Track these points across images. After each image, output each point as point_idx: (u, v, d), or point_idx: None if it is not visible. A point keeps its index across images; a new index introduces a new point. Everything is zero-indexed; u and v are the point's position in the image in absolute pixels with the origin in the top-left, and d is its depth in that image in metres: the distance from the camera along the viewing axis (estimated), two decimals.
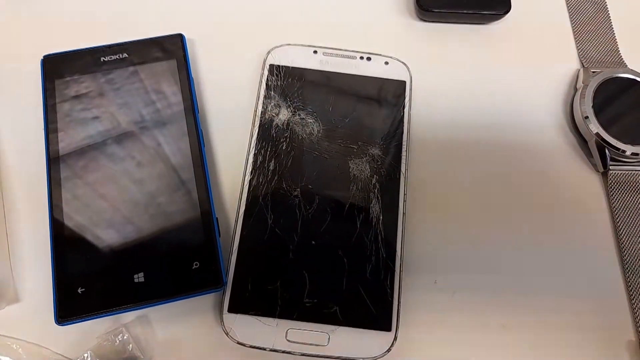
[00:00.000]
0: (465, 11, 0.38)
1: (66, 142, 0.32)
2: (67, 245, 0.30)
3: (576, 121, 0.36)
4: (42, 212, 0.32)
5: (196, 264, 0.30)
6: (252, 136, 0.33)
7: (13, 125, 0.34)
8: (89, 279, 0.30)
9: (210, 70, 0.36)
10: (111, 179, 0.32)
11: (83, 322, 0.30)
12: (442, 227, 0.33)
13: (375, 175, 0.33)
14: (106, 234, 0.30)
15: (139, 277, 0.30)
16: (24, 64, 0.36)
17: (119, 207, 0.31)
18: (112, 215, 0.31)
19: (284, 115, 0.34)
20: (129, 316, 0.31)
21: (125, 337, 0.29)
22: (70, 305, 0.29)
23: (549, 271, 0.32)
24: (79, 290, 0.29)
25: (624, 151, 0.34)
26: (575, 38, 0.39)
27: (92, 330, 0.31)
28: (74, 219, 0.31)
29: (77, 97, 0.33)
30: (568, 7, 0.40)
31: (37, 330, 0.31)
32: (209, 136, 0.34)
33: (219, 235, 0.31)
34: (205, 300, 0.32)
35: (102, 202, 0.31)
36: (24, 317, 0.31)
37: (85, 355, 0.29)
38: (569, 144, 0.36)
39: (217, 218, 0.31)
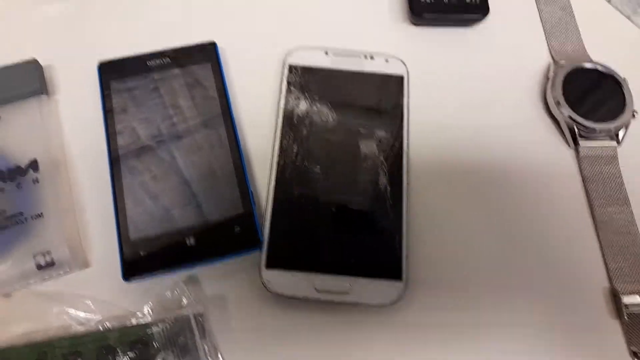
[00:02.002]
0: (450, 16, 0.45)
1: (124, 129, 0.39)
2: (129, 216, 0.36)
3: (549, 106, 0.43)
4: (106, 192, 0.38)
5: (237, 229, 0.36)
6: (277, 124, 0.40)
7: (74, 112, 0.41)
8: (148, 243, 0.36)
9: (237, 71, 0.43)
10: (165, 164, 0.38)
11: (144, 281, 0.36)
12: (438, 193, 0.40)
13: (382, 153, 0.40)
14: (161, 205, 0.37)
15: (190, 241, 0.36)
16: (81, 67, 0.42)
17: (171, 185, 0.38)
18: (165, 191, 0.37)
19: (303, 106, 0.41)
20: (181, 277, 0.37)
21: (180, 291, 0.35)
22: (134, 265, 0.35)
23: (533, 232, 0.40)
24: (141, 253, 0.35)
25: (593, 129, 0.41)
26: (546, 36, 0.46)
27: (151, 289, 0.36)
28: (134, 195, 0.37)
29: (130, 97, 0.40)
30: (539, 10, 0.47)
31: (103, 290, 0.36)
32: (241, 126, 0.41)
33: (255, 205, 0.37)
34: (245, 261, 0.37)
35: (157, 182, 0.37)
36: (92, 279, 0.37)
37: (147, 307, 0.35)
38: (545, 126, 0.44)
39: (252, 192, 0.37)
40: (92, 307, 0.35)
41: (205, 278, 0.37)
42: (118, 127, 0.39)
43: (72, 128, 0.41)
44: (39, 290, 0.36)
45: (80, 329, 0.34)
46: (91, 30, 0.44)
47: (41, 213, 0.36)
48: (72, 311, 0.35)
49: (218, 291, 0.37)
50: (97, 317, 0.35)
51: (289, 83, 0.41)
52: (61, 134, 0.40)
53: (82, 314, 0.35)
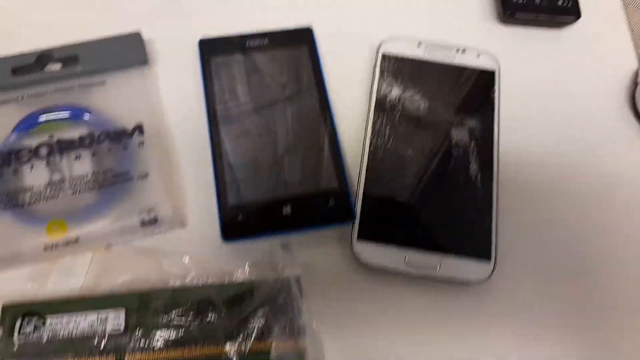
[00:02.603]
0: (542, 17, 0.46)
1: (223, 101, 0.41)
2: (228, 182, 0.38)
3: (638, 110, 0.44)
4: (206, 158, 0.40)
5: (332, 202, 0.37)
6: (369, 108, 0.41)
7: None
8: (247, 209, 0.37)
9: (331, 55, 0.45)
10: (262, 137, 0.40)
11: (240, 243, 0.37)
12: (527, 181, 0.41)
13: (473, 141, 0.41)
14: (259, 174, 0.39)
15: (287, 210, 0.37)
16: (180, 43, 0.44)
17: (268, 156, 0.39)
18: (262, 161, 0.39)
19: (395, 93, 0.42)
20: (275, 242, 0.38)
21: (276, 255, 0.36)
22: (233, 227, 0.37)
23: (621, 223, 0.41)
24: (239, 217, 0.37)
25: None
26: (634, 42, 0.47)
27: (246, 252, 0.37)
28: (233, 162, 0.39)
29: (228, 73, 0.42)
30: (628, 17, 0.48)
31: (200, 250, 0.38)
32: (336, 108, 0.42)
33: (348, 181, 0.38)
34: (337, 232, 0.38)
35: (255, 153, 0.39)
36: (190, 239, 0.38)
37: (244, 268, 0.36)
38: (632, 129, 0.44)
39: (345, 168, 0.38)
40: (190, 264, 0.36)
41: (298, 246, 0.38)
42: (217, 98, 0.41)
43: (172, 98, 0.43)
44: (139, 246, 0.37)
45: (177, 283, 0.35)
46: (190, 7, 0.46)
47: (147, 173, 0.37)
48: (170, 266, 0.36)
49: (310, 259, 0.38)
50: (195, 273, 0.35)
51: (382, 70, 0.42)
52: (162, 102, 0.42)
53: (180, 270, 0.36)
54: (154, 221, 0.36)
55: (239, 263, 0.36)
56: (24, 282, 0.36)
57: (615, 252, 0.39)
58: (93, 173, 0.37)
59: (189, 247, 0.38)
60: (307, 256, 0.38)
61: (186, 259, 0.36)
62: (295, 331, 0.33)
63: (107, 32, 0.43)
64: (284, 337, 0.33)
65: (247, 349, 0.33)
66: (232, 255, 0.37)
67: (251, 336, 0.33)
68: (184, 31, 0.44)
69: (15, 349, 0.33)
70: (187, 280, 0.36)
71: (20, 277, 0.36)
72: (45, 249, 0.35)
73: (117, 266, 0.36)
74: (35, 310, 0.34)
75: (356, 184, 0.39)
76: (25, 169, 0.37)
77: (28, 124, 0.39)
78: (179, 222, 0.37)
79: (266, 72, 0.42)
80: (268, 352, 0.33)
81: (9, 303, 0.35)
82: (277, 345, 0.33)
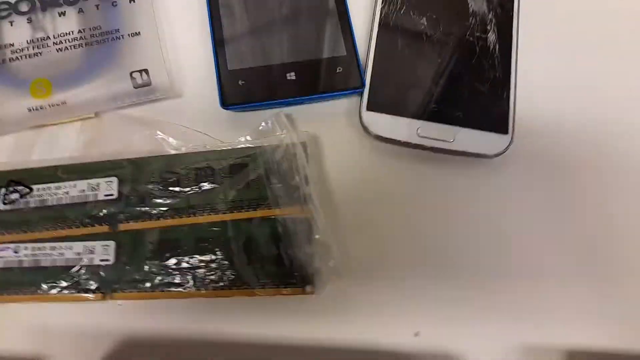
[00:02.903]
0: None
1: None
2: (226, 44, 0.34)
3: None
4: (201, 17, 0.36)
5: (339, 69, 0.34)
6: None
7: None
8: (248, 74, 0.34)
9: None
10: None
11: (241, 110, 0.35)
12: (550, 53, 0.38)
13: (491, 11, 0.37)
14: (261, 38, 0.35)
15: (291, 76, 0.34)
16: None
17: (271, 18, 0.36)
18: (265, 24, 0.36)
19: None
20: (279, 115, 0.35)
21: (280, 123, 0.33)
22: (233, 93, 0.34)
23: None
24: (240, 82, 0.34)
25: None
26: None
27: (248, 122, 0.35)
28: (232, 24, 0.35)
29: None
30: None
31: (197, 120, 0.35)
32: None
33: (357, 48, 0.35)
34: (343, 104, 0.36)
35: (257, 14, 0.36)
36: (185, 109, 0.35)
37: (246, 135, 0.33)
38: None
39: (354, 34, 0.35)
40: (187, 133, 0.33)
41: (302, 120, 0.35)
42: None
43: None
44: (131, 115, 0.34)
45: (173, 152, 0.32)
46: None
47: (138, 32, 0.34)
48: (165, 136, 0.33)
49: (315, 131, 0.35)
50: (192, 144, 0.32)
51: None
52: None
53: (175, 140, 0.33)
54: (147, 83, 0.33)
55: (240, 132, 0.33)
56: (6, 151, 0.33)
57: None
58: (79, 31, 0.34)
59: (185, 117, 0.35)
60: (312, 129, 0.35)
61: (183, 128, 0.33)
62: (301, 198, 0.30)
63: None
64: (289, 204, 0.30)
65: (251, 216, 0.30)
66: (232, 126, 0.34)
67: (255, 203, 0.30)
68: None
69: (1, 216, 0.30)
70: (184, 150, 0.32)
71: (3, 146, 0.33)
72: (30, 110, 0.32)
73: (107, 135, 0.34)
74: (20, 179, 0.31)
75: (365, 51, 0.35)
76: (4, 24, 0.33)
77: None
78: (175, 89, 0.34)
79: None
80: (273, 220, 0.30)
81: None
82: (282, 211, 0.30)
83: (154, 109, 0.35)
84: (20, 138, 0.34)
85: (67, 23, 0.34)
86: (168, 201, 0.31)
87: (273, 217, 0.31)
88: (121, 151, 0.33)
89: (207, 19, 0.35)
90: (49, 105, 0.32)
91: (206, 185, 0.31)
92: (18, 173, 0.32)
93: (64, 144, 0.34)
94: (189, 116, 0.35)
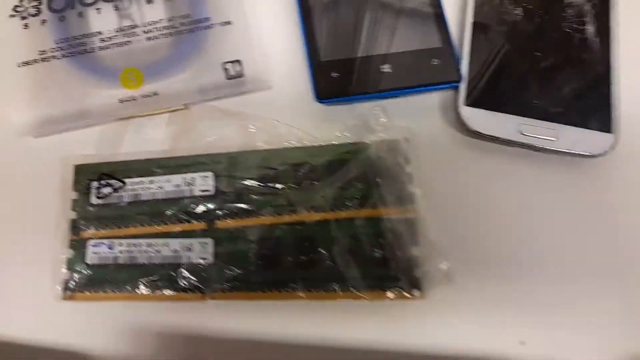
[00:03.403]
0: None
1: None
2: (318, 34, 0.33)
3: None
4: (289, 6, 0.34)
5: (435, 61, 0.33)
6: None
7: None
8: (341, 66, 0.32)
9: None
10: None
11: (336, 104, 0.34)
12: None
13: (589, 1, 0.35)
14: (354, 29, 0.34)
15: (386, 68, 0.32)
16: None
17: (364, 8, 0.35)
18: (359, 14, 0.34)
19: None
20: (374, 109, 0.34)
21: (376, 117, 0.32)
22: (327, 86, 0.32)
23: None
24: (333, 75, 0.32)
25: None
26: None
27: (342, 117, 0.34)
28: (325, 14, 0.34)
29: None
30: None
31: (290, 114, 0.34)
32: None
33: (453, 40, 0.34)
34: (438, 101, 0.35)
35: (350, 4, 0.34)
36: (276, 102, 0.34)
37: (342, 130, 0.32)
38: None
39: (449, 25, 0.33)
40: (280, 127, 0.32)
41: (395, 115, 0.34)
42: None
43: None
44: (220, 106, 0.32)
45: (267, 147, 0.31)
46: None
47: (229, 21, 0.32)
48: (258, 130, 0.31)
49: (410, 124, 0.33)
50: (286, 138, 0.31)
51: None
52: None
53: (268, 134, 0.31)
54: (239, 75, 0.31)
55: (334, 127, 0.31)
56: (95, 143, 0.32)
57: None
58: (168, 19, 0.32)
59: (275, 110, 0.34)
60: (407, 124, 0.34)
61: (275, 122, 0.31)
62: (404, 198, 0.29)
63: None
64: (392, 204, 0.29)
65: (354, 216, 0.29)
66: (323, 119, 0.33)
67: (357, 202, 0.29)
68: None
69: (94, 211, 0.29)
70: (277, 144, 0.31)
71: (92, 137, 0.32)
72: (122, 101, 0.30)
73: (198, 128, 0.32)
74: (112, 172, 0.30)
75: (459, 44, 0.33)
76: (91, 12, 0.32)
77: None
78: (266, 81, 0.33)
79: None
80: (377, 220, 0.29)
81: (82, 163, 0.30)
82: (387, 211, 0.29)
83: (243, 102, 0.34)
84: (109, 129, 0.32)
85: (155, 11, 0.33)
86: (267, 198, 0.30)
87: (377, 216, 0.29)
88: (212, 145, 0.32)
89: (297, 8, 0.34)
90: (140, 96, 0.31)
91: (306, 182, 0.30)
92: (109, 166, 0.31)
93: (153, 136, 0.33)
94: (279, 109, 0.34)
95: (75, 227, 0.30)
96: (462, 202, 0.32)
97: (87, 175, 0.31)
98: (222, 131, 0.32)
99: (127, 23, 0.32)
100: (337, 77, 0.32)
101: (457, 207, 0.32)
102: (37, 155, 0.33)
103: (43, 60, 0.31)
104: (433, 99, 0.34)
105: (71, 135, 0.33)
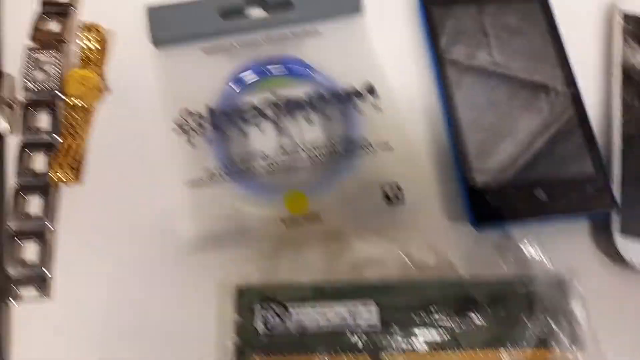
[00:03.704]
0: None
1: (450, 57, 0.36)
2: (471, 158, 0.34)
3: None
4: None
5: (589, 188, 0.33)
6: (614, 78, 0.37)
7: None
8: (497, 191, 0.33)
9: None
10: (505, 108, 0.36)
11: (491, 230, 0.34)
12: None
13: None
14: (506, 152, 0.34)
15: (541, 194, 0.33)
16: None
17: (513, 129, 0.35)
18: (508, 135, 0.35)
19: None
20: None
21: (531, 246, 0.32)
22: (482, 211, 0.33)
23: None
24: (488, 199, 0.33)
25: None
26: None
27: (491, 243, 0.33)
28: (475, 134, 0.35)
29: (457, 29, 0.37)
30: None
31: (441, 237, 0.34)
32: None
33: (605, 165, 0.34)
34: (587, 227, 0.35)
35: (499, 125, 0.35)
36: (426, 223, 0.35)
37: (499, 259, 0.32)
38: None
39: (600, 150, 0.34)
40: (436, 252, 0.33)
41: (546, 243, 0.33)
42: (446, 56, 0.37)
43: (389, 53, 0.38)
44: (378, 231, 0.33)
45: (423, 275, 0.32)
46: None
47: (386, 142, 0.33)
48: (416, 257, 0.32)
49: (564, 256, 0.33)
50: (442, 264, 0.32)
51: (624, 32, 0.36)
52: (382, 58, 0.37)
53: (424, 259, 0.32)
54: (398, 199, 0.31)
55: (490, 255, 0.32)
56: (254, 263, 0.33)
57: None
58: (327, 138, 0.33)
59: (430, 234, 0.34)
60: (561, 252, 0.33)
61: (433, 249, 0.32)
62: (576, 339, 0.29)
63: None
64: (564, 346, 0.29)
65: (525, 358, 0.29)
66: (480, 246, 0.33)
67: (528, 342, 0.29)
68: None
69: (260, 339, 0.29)
70: (433, 271, 0.32)
71: (251, 257, 0.33)
72: (284, 221, 0.31)
73: (355, 252, 0.32)
74: (274, 296, 0.30)
75: (609, 167, 0.34)
76: (253, 130, 0.33)
77: (244, 78, 0.35)
78: (424, 205, 0.34)
79: (497, 28, 0.37)
80: None
81: (244, 285, 0.31)
82: (560, 355, 0.29)
83: (400, 226, 0.33)
84: (268, 249, 0.32)
85: (313, 130, 0.34)
86: (432, 333, 0.30)
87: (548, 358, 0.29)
88: (369, 271, 0.32)
89: (445, 128, 0.35)
90: (302, 218, 0.31)
91: (469, 318, 0.30)
92: (271, 289, 0.31)
93: (311, 259, 0.33)
94: (432, 232, 0.34)
95: (240, 352, 0.30)
96: (627, 343, 0.32)
97: (250, 298, 0.31)
98: (378, 257, 0.32)
99: (287, 143, 0.33)
100: (493, 202, 0.32)
101: (623, 348, 0.31)
102: (197, 273, 0.33)
103: (209, 179, 0.32)
104: (584, 226, 0.34)
105: (230, 253, 0.33)
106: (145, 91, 0.36)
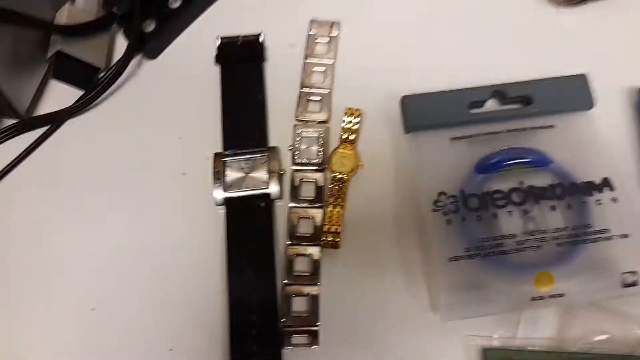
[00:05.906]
0: None
1: None
2: None
3: None
4: None
5: None
6: None
7: None
8: None
9: None
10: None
11: None
12: None
13: None
14: None
15: None
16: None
17: None
18: None
19: None
20: None
21: None
22: None
23: None
24: None
25: None
26: None
27: None
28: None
29: None
30: None
31: None
32: None
33: None
34: None
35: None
36: None
37: None
38: None
39: None
40: None
41: None
42: None
43: (618, 144, 0.42)
44: (604, 306, 0.36)
45: None
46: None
47: (628, 234, 0.36)
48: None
49: None
50: None
51: None
52: (609, 150, 0.41)
53: None
54: (634, 284, 0.35)
55: None
56: (494, 327, 0.37)
57: None
58: (572, 227, 0.37)
59: None
60: None
61: None
62: None
63: (541, 73, 0.43)
64: None
65: None
66: None
67: None
68: (621, 75, 0.44)
69: None
70: None
71: (490, 322, 0.37)
72: (533, 299, 0.35)
73: (587, 324, 0.36)
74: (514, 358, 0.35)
75: None
76: (502, 214, 0.37)
77: (491, 165, 0.39)
78: None
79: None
80: None
81: (490, 347, 0.35)
82: None
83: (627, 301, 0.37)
84: (506, 316, 0.38)
85: (556, 217, 0.37)
86: None
87: None
88: (599, 342, 0.36)
89: None
90: (549, 296, 0.35)
91: None
92: (512, 352, 0.35)
93: (542, 327, 0.37)
94: None
95: None
96: None
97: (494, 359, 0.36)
98: (606, 330, 0.36)
99: (532, 227, 0.37)
100: None
101: None
102: (448, 337, 0.38)
103: (468, 257, 0.36)
104: None
105: (478, 321, 0.38)
106: (392, 169, 0.43)
